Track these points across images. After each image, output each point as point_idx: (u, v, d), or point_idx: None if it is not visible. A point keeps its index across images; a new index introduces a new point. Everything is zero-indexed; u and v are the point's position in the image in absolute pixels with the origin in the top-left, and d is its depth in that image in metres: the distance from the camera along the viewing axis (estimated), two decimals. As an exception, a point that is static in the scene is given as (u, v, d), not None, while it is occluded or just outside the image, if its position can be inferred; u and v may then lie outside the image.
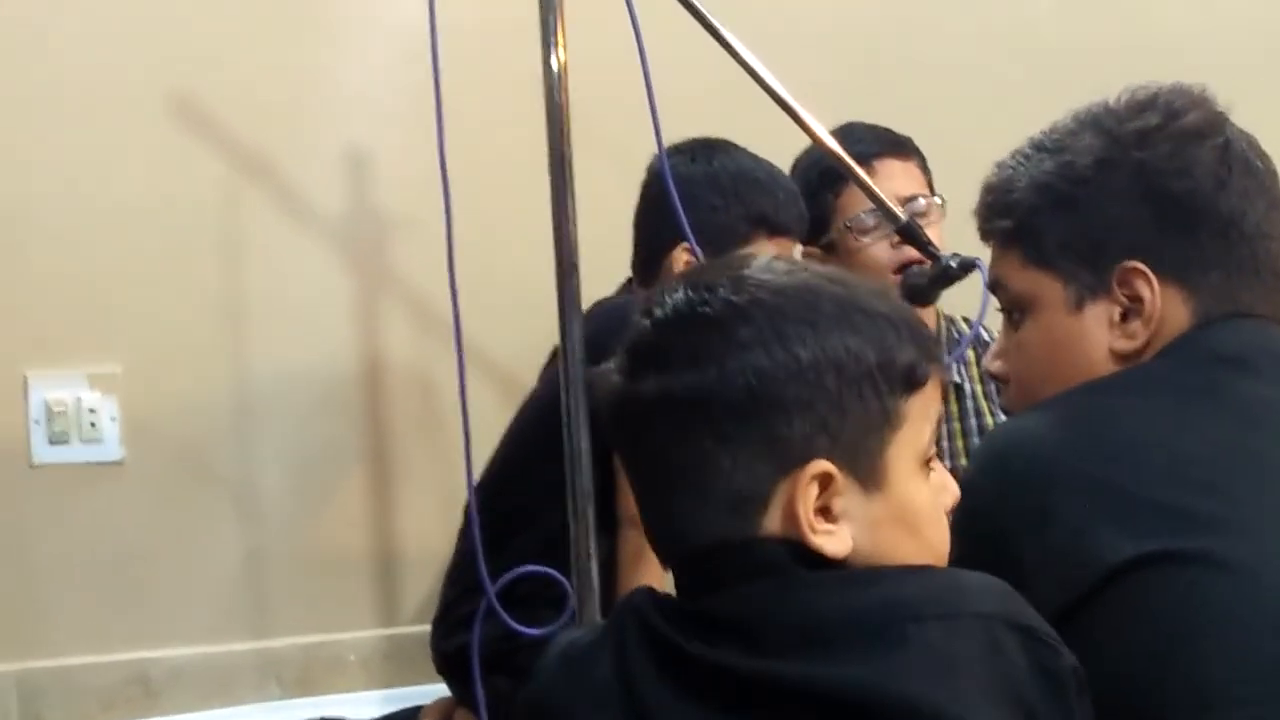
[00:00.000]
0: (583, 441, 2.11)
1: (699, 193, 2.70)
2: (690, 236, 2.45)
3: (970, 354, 3.07)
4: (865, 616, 1.30)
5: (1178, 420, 1.65)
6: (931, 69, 3.64)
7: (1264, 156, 1.77)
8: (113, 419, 3.10)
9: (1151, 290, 1.72)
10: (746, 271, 1.39)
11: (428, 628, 2.91)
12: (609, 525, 2.51)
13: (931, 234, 2.80)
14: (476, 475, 2.41)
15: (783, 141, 2.83)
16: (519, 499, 2.61)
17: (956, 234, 2.14)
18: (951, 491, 1.45)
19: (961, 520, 1.70)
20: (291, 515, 3.25)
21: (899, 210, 2.60)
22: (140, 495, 3.13)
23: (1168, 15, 3.77)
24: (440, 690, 2.95)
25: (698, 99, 3.05)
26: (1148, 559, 1.55)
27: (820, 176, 2.96)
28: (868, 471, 1.35)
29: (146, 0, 3.15)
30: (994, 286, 1.86)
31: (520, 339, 3.08)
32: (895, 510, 1.36)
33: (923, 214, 2.95)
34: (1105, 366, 1.74)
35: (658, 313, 1.39)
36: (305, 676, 3.22)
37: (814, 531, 1.33)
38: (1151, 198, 1.73)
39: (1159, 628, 1.54)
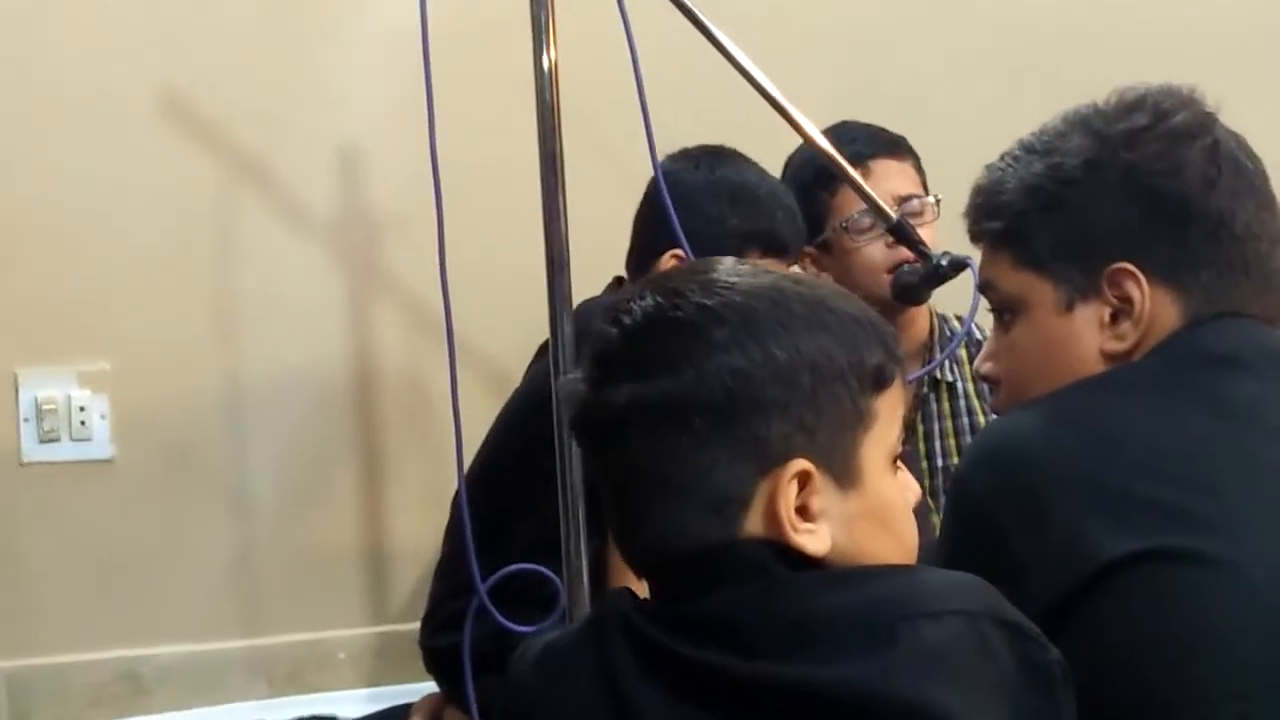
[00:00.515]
0: (573, 439, 2.11)
1: (698, 202, 2.70)
2: (684, 244, 2.45)
3: (962, 353, 3.07)
4: (855, 616, 1.30)
5: (1168, 419, 1.65)
6: (925, 68, 3.64)
7: (1253, 156, 1.77)
8: (103, 417, 3.10)
9: (1141, 291, 1.72)
10: (714, 275, 1.40)
11: (418, 625, 2.91)
12: (600, 528, 2.51)
13: (926, 234, 2.81)
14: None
15: (775, 141, 2.84)
16: (501, 497, 2.60)
17: (952, 233, 2.14)
18: (915, 490, 1.47)
19: (953, 518, 1.71)
20: (281, 513, 3.25)
21: (891, 210, 2.60)
22: (130, 493, 3.14)
23: (1162, 14, 3.77)
24: (430, 688, 2.95)
25: (689, 98, 3.06)
26: (1140, 556, 1.55)
27: (815, 176, 2.95)
28: (843, 470, 1.36)
29: (138, 0, 3.15)
30: (984, 288, 1.87)
31: (511, 337, 3.08)
32: (870, 508, 1.37)
33: (918, 214, 2.95)
34: (1096, 367, 1.74)
35: (626, 320, 1.39)
36: (295, 674, 3.22)
37: (795, 530, 1.33)
38: (1141, 198, 1.73)
39: (1151, 625, 1.55)
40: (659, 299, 1.38)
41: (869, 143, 3.02)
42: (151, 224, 3.14)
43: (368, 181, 3.26)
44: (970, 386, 3.07)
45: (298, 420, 3.24)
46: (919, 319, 3.07)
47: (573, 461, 2.14)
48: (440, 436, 2.96)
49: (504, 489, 2.62)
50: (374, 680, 3.26)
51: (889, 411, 1.39)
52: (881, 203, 2.57)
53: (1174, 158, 1.73)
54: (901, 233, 2.61)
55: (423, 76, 2.22)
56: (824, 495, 1.35)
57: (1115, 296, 1.73)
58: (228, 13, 3.19)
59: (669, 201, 2.43)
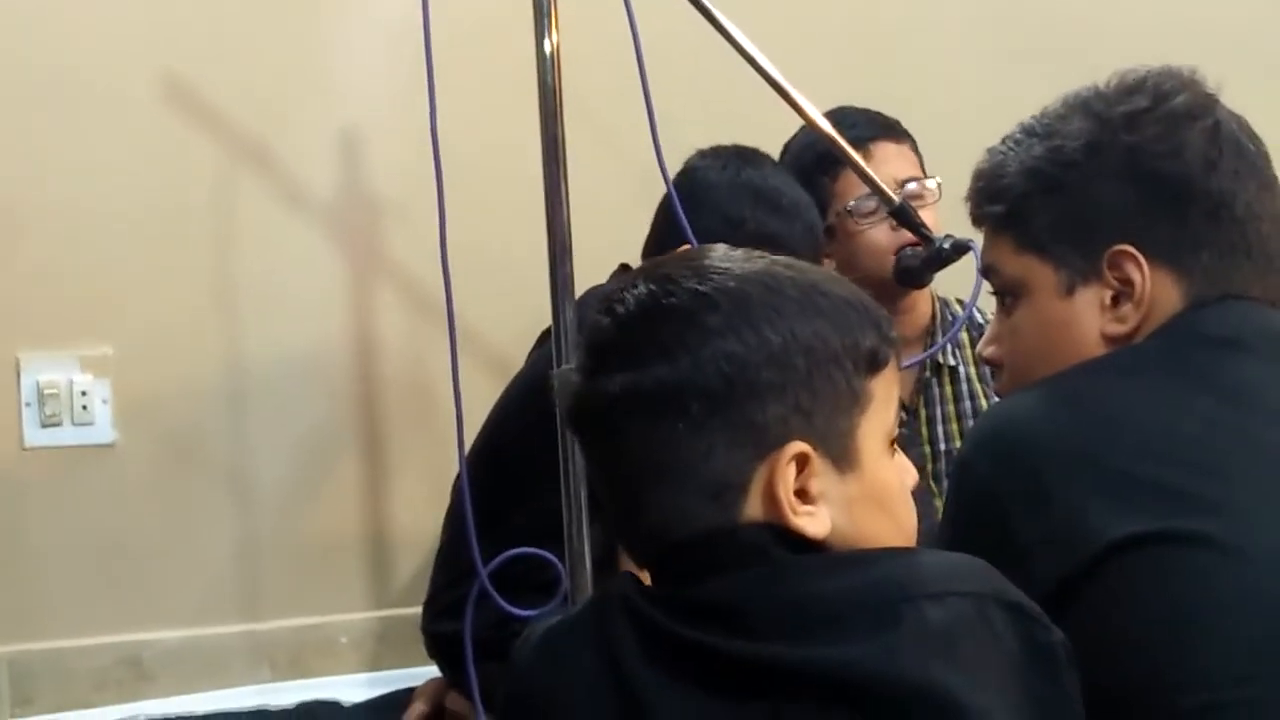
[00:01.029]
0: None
1: (719, 201, 2.70)
2: (693, 242, 2.44)
3: (964, 336, 3.07)
4: (857, 598, 1.31)
5: (1170, 400, 1.65)
6: (925, 52, 3.64)
7: (1255, 138, 1.77)
8: (104, 401, 3.10)
9: (1142, 274, 1.72)
10: (706, 262, 1.41)
11: (419, 610, 2.91)
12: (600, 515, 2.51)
13: (927, 216, 2.81)
14: (468, 459, 2.41)
15: (777, 126, 2.84)
16: (501, 482, 2.60)
17: (955, 217, 2.14)
18: (912, 474, 1.46)
19: (956, 501, 1.71)
20: (283, 497, 3.25)
21: (892, 193, 2.60)
22: (132, 478, 3.13)
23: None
24: (432, 672, 2.96)
25: (692, 82, 3.06)
26: (1142, 538, 1.55)
27: (816, 161, 2.95)
28: (841, 452, 1.37)
29: (138, -15, 3.15)
30: (987, 272, 1.87)
31: (513, 323, 3.08)
32: (868, 490, 1.38)
33: (918, 197, 2.95)
34: (1097, 350, 1.75)
35: (619, 309, 1.40)
36: (297, 659, 3.22)
37: (795, 513, 1.34)
38: (1141, 181, 1.73)
39: (1154, 607, 1.55)
40: (652, 286, 1.39)
41: (868, 126, 3.02)
42: (153, 209, 3.13)
43: (369, 166, 3.26)
44: (972, 370, 3.07)
45: (299, 405, 3.24)
46: (921, 303, 3.06)
47: (574, 446, 2.14)
48: (441, 422, 2.96)
49: (503, 474, 2.62)
50: (376, 665, 3.26)
51: (885, 393, 1.40)
52: (884, 186, 2.58)
53: (1174, 139, 1.73)
54: (904, 215, 2.61)
55: (424, 61, 2.21)
56: (822, 478, 1.35)
57: (1116, 279, 1.73)
58: (229, -1, 3.19)
59: (676, 199, 2.43)
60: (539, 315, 2.36)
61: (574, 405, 1.42)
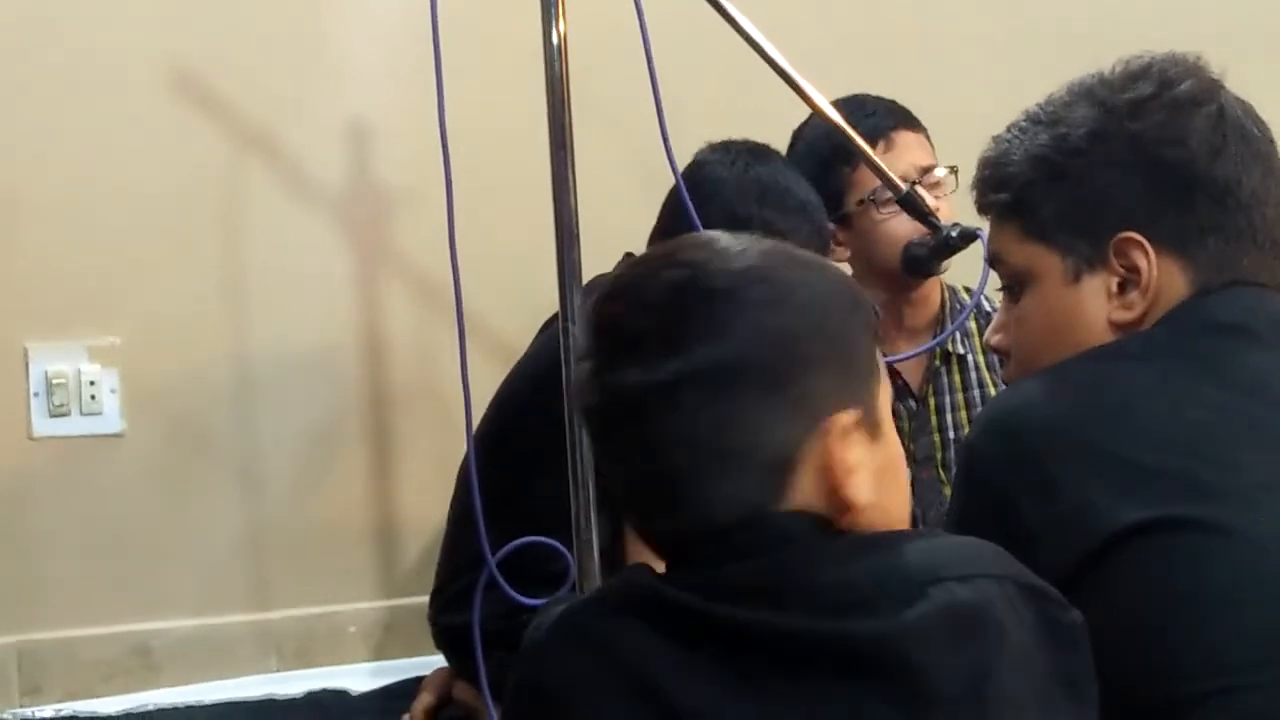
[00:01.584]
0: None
1: (727, 196, 2.69)
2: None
3: (972, 325, 3.06)
4: (888, 579, 1.31)
5: (1177, 387, 1.65)
6: (931, 41, 3.63)
7: (1260, 123, 1.77)
8: (113, 391, 3.11)
9: (1148, 261, 1.72)
10: (723, 244, 1.41)
11: (427, 599, 2.92)
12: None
13: (945, 205, 2.80)
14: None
15: (786, 114, 2.83)
16: (506, 468, 2.59)
17: (964, 205, 2.14)
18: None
19: (964, 487, 1.71)
20: (291, 487, 3.25)
21: (917, 182, 2.60)
22: (140, 467, 3.14)
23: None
24: (440, 662, 2.96)
25: (700, 71, 3.06)
26: (1150, 525, 1.55)
27: (834, 150, 2.90)
28: (872, 420, 1.39)
29: (146, -27, 3.15)
30: (993, 260, 1.86)
31: (521, 312, 3.08)
32: (888, 459, 1.40)
33: (939, 184, 2.94)
34: (1104, 338, 1.74)
35: (648, 297, 1.38)
36: (305, 648, 3.23)
37: (847, 483, 1.35)
38: (1146, 168, 1.72)
39: (1162, 593, 1.55)
40: (678, 270, 1.38)
41: (888, 115, 2.99)
42: (161, 199, 3.14)
43: (377, 155, 3.26)
44: (981, 358, 3.06)
45: (307, 394, 3.24)
46: (933, 293, 3.05)
47: (582, 434, 2.14)
48: (449, 411, 2.97)
49: (508, 461, 2.61)
50: (383, 654, 3.26)
51: (881, 365, 1.43)
52: (892, 174, 2.57)
53: (1179, 126, 1.72)
54: (911, 203, 2.61)
55: (432, 50, 2.21)
56: (860, 448, 1.36)
57: (1122, 266, 1.73)
58: (237, -13, 3.19)
59: (685, 191, 2.43)
60: (546, 303, 2.36)
61: (601, 400, 1.40)
